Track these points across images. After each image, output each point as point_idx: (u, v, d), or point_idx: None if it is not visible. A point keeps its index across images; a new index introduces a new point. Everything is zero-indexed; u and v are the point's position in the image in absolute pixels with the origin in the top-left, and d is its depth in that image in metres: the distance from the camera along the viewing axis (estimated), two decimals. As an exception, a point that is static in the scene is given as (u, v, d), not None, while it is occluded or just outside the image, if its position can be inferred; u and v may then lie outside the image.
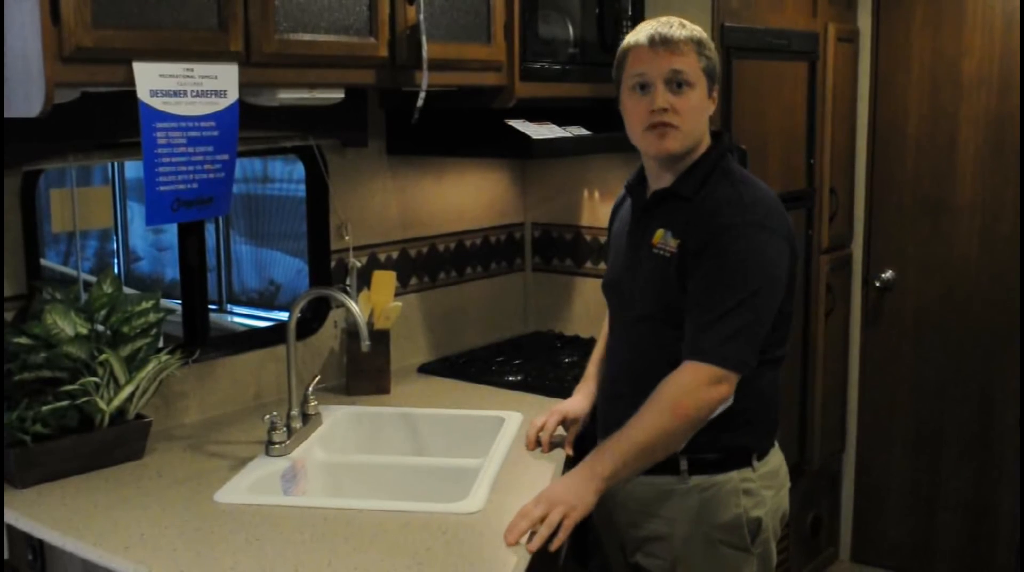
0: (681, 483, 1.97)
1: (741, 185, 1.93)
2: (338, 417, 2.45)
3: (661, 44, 1.88)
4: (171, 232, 3.30)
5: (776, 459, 2.07)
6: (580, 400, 2.25)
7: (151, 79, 1.82)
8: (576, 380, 2.58)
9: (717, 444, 1.94)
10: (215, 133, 1.95)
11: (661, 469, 1.95)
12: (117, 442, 2.10)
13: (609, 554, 2.23)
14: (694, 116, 1.91)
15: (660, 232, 1.95)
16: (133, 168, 4.09)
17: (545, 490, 1.86)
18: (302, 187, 2.75)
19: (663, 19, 1.94)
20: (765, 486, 2.01)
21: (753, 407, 1.95)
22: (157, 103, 1.84)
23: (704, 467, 1.96)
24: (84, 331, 2.05)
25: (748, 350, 1.86)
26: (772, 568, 2.06)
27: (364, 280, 2.71)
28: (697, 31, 1.93)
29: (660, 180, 1.99)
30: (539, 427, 2.21)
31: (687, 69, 1.89)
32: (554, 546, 1.76)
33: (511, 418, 2.41)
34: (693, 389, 1.84)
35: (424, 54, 2.24)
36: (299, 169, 2.76)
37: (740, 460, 1.98)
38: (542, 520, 1.76)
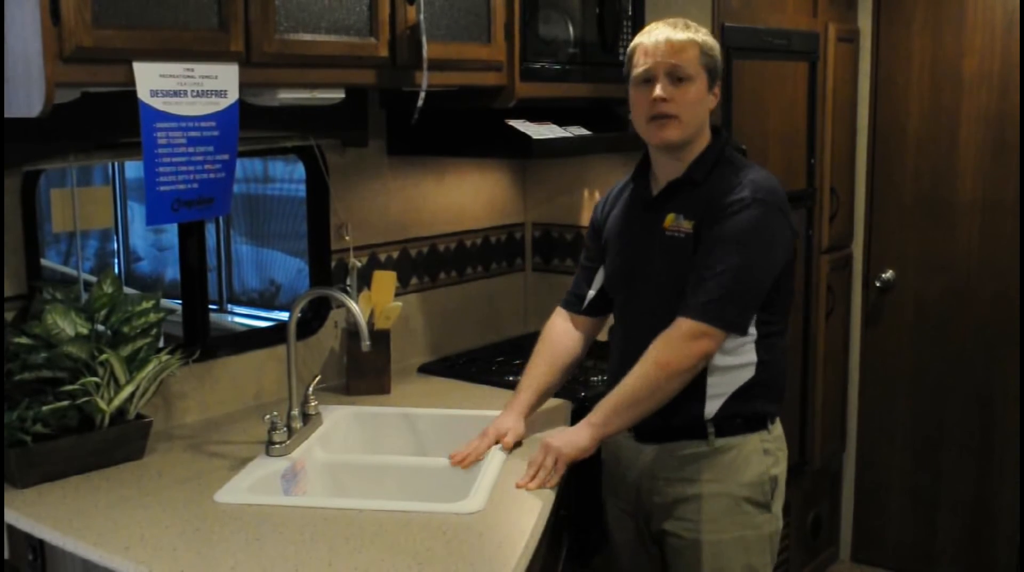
0: (707, 446, 2.11)
1: (743, 170, 2.11)
2: (338, 417, 2.45)
3: (665, 42, 2.06)
4: (172, 232, 3.28)
5: (780, 426, 2.22)
6: (516, 418, 2.24)
7: (151, 79, 1.82)
8: (578, 380, 2.58)
9: (741, 410, 2.10)
10: (215, 133, 1.96)
11: (689, 435, 2.11)
12: (117, 442, 2.10)
13: (620, 540, 2.28)
14: (692, 108, 2.07)
15: (671, 216, 2.10)
16: (133, 168, 4.08)
17: (546, 439, 2.09)
18: (302, 187, 2.75)
19: (671, 20, 2.12)
20: (778, 448, 2.18)
21: (770, 376, 2.13)
22: (157, 103, 1.84)
23: (728, 431, 2.11)
24: (84, 331, 2.05)
25: (734, 311, 2.00)
26: (779, 532, 2.19)
27: (364, 280, 2.71)
28: (701, 32, 2.10)
29: (670, 172, 2.14)
30: (509, 448, 2.18)
31: (687, 64, 2.06)
32: (549, 484, 2.01)
33: (511, 418, 2.41)
34: (675, 342, 2.00)
35: (424, 54, 2.24)
36: (299, 169, 2.75)
37: (759, 424, 2.14)
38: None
